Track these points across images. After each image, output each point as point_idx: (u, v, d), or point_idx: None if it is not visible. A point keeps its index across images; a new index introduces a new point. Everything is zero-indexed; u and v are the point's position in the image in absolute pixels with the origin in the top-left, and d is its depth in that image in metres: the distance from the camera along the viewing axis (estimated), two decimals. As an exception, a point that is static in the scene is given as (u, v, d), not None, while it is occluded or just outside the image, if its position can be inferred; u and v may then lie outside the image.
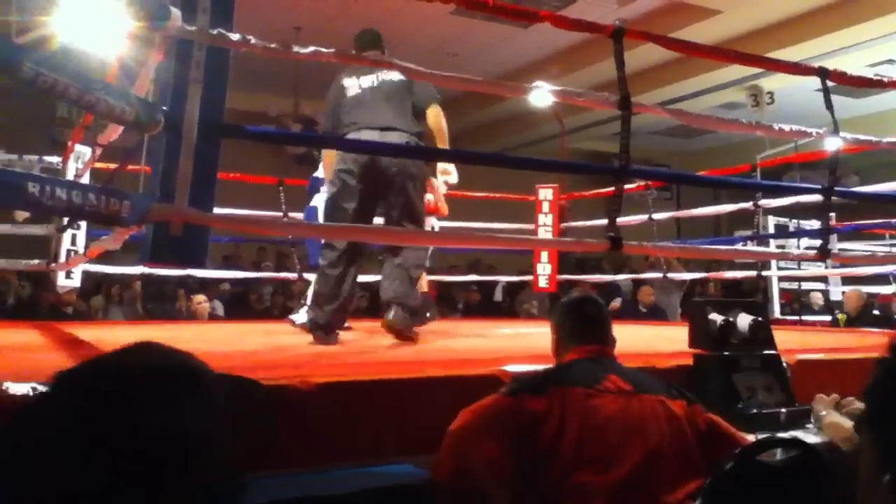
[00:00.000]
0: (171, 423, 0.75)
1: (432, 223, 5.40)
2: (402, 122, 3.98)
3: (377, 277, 6.06)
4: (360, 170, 3.85)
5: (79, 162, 5.20)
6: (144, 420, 0.74)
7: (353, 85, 4.04)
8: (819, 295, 9.02)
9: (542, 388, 1.82)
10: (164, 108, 2.40)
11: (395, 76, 3.98)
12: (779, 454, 1.66)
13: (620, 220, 3.43)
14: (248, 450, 0.87)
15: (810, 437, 2.13)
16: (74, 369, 0.84)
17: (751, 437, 1.97)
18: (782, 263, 7.89)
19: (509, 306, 10.37)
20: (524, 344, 4.23)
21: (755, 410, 2.40)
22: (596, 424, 1.75)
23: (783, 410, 2.45)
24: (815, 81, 3.94)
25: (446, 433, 1.80)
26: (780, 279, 8.15)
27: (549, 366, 2.11)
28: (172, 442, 0.74)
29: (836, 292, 8.70)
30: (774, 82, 10.12)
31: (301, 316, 4.75)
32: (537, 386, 1.84)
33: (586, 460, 1.71)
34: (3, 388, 1.69)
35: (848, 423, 2.03)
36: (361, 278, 6.79)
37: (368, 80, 4.02)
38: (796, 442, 1.66)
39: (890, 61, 9.43)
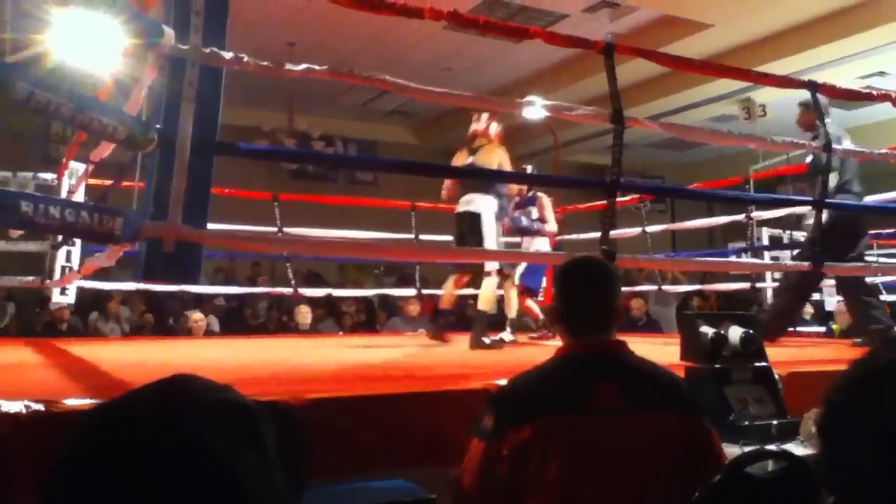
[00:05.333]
0: (228, 464, 0.70)
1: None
2: None
3: (371, 292, 6.07)
4: None
5: (73, 178, 5.21)
6: (199, 464, 0.69)
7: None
8: (808, 305, 9.02)
9: (523, 418, 1.69)
10: (158, 125, 2.42)
11: None
12: (769, 466, 1.66)
13: (615, 232, 3.46)
14: (291, 484, 0.83)
15: (800, 449, 2.14)
16: (102, 411, 0.77)
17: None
18: (777, 275, 7.90)
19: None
20: (516, 357, 4.23)
21: (746, 423, 2.41)
22: (580, 459, 1.65)
23: (774, 423, 2.46)
24: (807, 94, 3.98)
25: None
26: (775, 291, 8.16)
27: (533, 371, 1.88)
28: (229, 485, 0.70)
29: (831, 303, 8.71)
30: (767, 95, 10.16)
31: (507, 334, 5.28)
32: (517, 415, 1.71)
33: (569, 499, 1.63)
34: (-3, 406, 1.69)
35: None
36: (355, 293, 6.78)
37: None
38: (785, 454, 1.66)
39: (881, 73, 9.48)
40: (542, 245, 5.92)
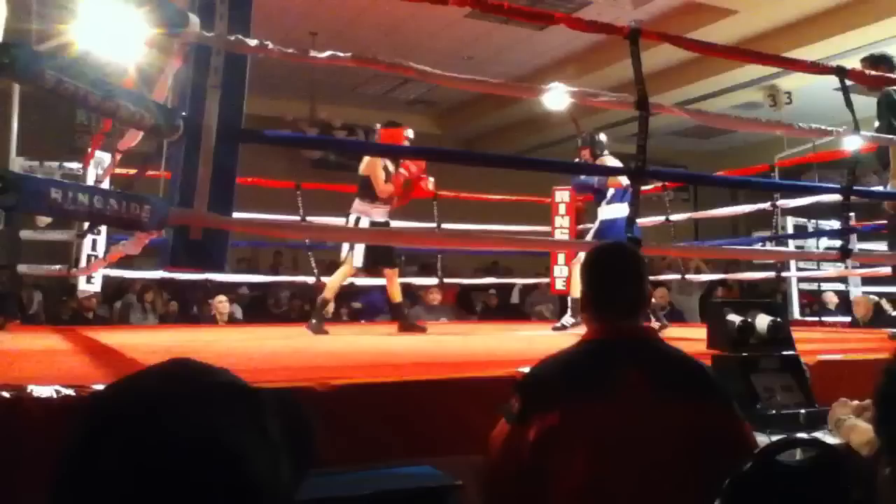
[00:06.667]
0: (235, 455, 0.69)
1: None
2: None
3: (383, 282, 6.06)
4: None
5: (99, 168, 5.24)
6: (205, 456, 0.68)
7: None
8: (832, 294, 8.93)
9: (551, 404, 1.67)
10: (183, 113, 2.43)
11: None
12: (798, 454, 1.65)
13: (638, 221, 3.43)
14: (295, 474, 0.82)
15: (828, 438, 2.12)
16: (105, 400, 0.75)
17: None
18: (801, 264, 7.83)
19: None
20: (543, 346, 4.22)
21: (774, 411, 2.39)
22: (608, 448, 1.62)
23: (802, 411, 2.44)
24: (833, 81, 3.92)
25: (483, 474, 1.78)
26: (800, 280, 8.08)
27: (560, 355, 1.84)
28: (237, 477, 0.69)
29: (857, 293, 8.63)
30: (792, 82, 10.04)
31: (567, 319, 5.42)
32: (545, 400, 1.69)
33: (595, 488, 1.60)
34: (28, 391, 1.71)
35: (869, 428, 1.96)
36: (376, 282, 6.78)
37: None
38: (816, 442, 1.64)
39: (907, 60, 9.34)
40: (613, 212, 5.56)
